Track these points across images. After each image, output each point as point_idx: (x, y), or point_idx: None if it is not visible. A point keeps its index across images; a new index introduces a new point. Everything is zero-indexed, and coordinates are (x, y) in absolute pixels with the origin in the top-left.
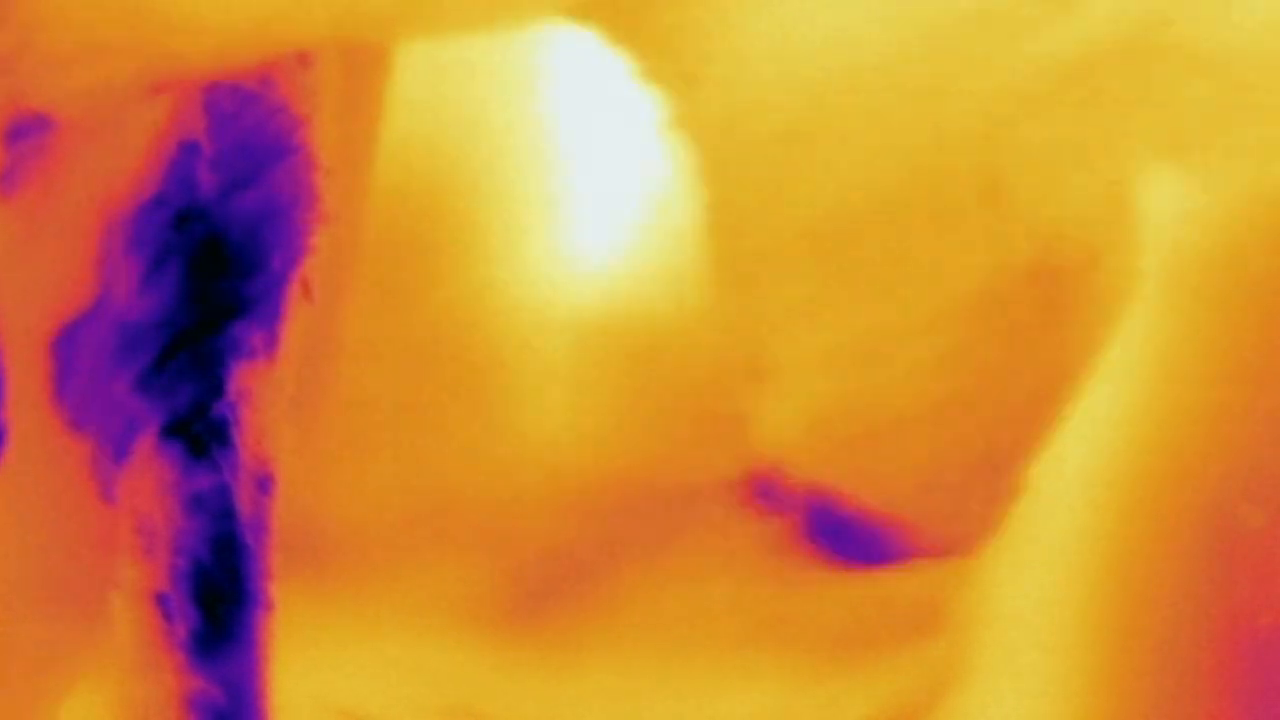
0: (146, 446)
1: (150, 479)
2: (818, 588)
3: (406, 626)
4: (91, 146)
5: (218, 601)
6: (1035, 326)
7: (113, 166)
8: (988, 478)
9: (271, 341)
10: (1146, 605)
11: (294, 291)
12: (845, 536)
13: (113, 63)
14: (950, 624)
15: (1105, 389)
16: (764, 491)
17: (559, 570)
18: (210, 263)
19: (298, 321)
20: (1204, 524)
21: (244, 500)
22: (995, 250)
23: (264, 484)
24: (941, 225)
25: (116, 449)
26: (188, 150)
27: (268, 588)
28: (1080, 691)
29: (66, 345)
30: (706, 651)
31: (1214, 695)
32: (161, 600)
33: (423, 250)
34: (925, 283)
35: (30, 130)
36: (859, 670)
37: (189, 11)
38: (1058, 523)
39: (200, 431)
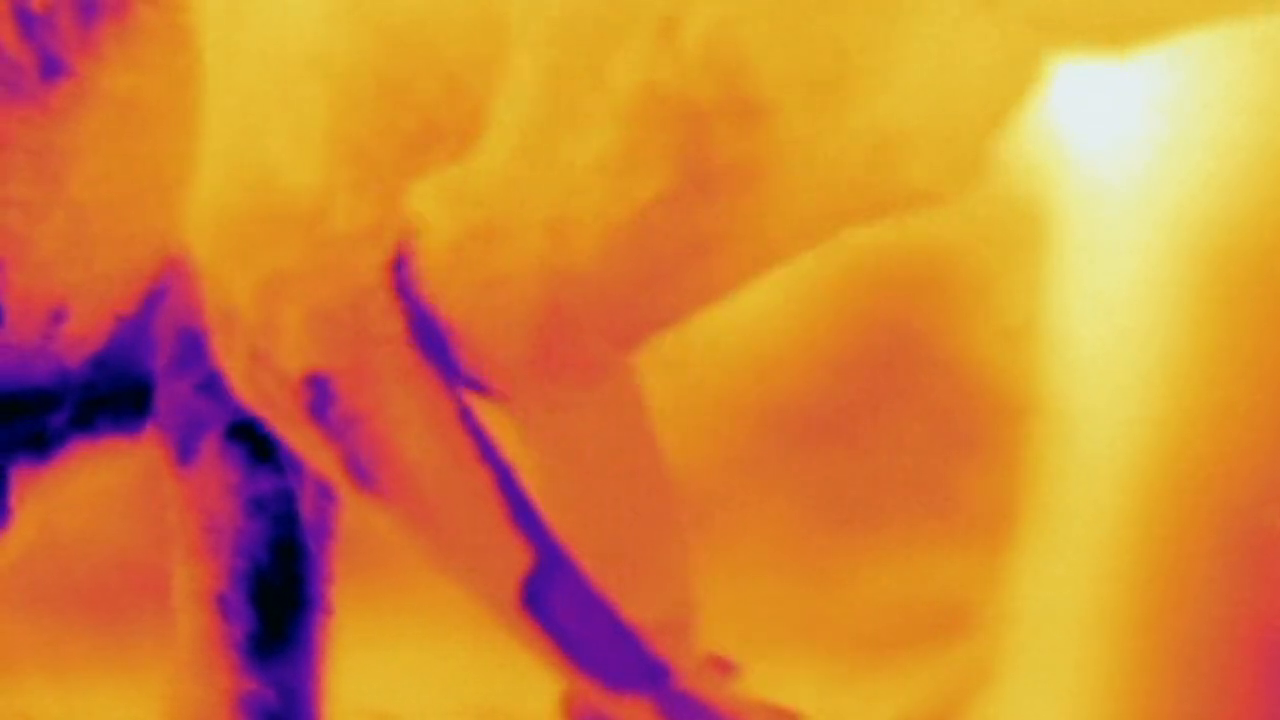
0: (212, 447)
1: (214, 480)
2: (846, 588)
3: (437, 628)
4: None
5: (275, 604)
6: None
7: None
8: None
9: None
10: (1172, 607)
11: None
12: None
13: None
14: (979, 625)
15: (1128, 390)
16: None
17: None
18: None
19: None
20: (1229, 526)
21: (307, 504)
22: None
23: (328, 489)
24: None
25: (183, 449)
26: None
27: (328, 592)
28: (1108, 692)
29: None
30: (735, 653)
31: (1240, 697)
32: (222, 601)
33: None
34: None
35: None
36: (888, 671)
37: None
38: (1083, 525)
39: (265, 434)
